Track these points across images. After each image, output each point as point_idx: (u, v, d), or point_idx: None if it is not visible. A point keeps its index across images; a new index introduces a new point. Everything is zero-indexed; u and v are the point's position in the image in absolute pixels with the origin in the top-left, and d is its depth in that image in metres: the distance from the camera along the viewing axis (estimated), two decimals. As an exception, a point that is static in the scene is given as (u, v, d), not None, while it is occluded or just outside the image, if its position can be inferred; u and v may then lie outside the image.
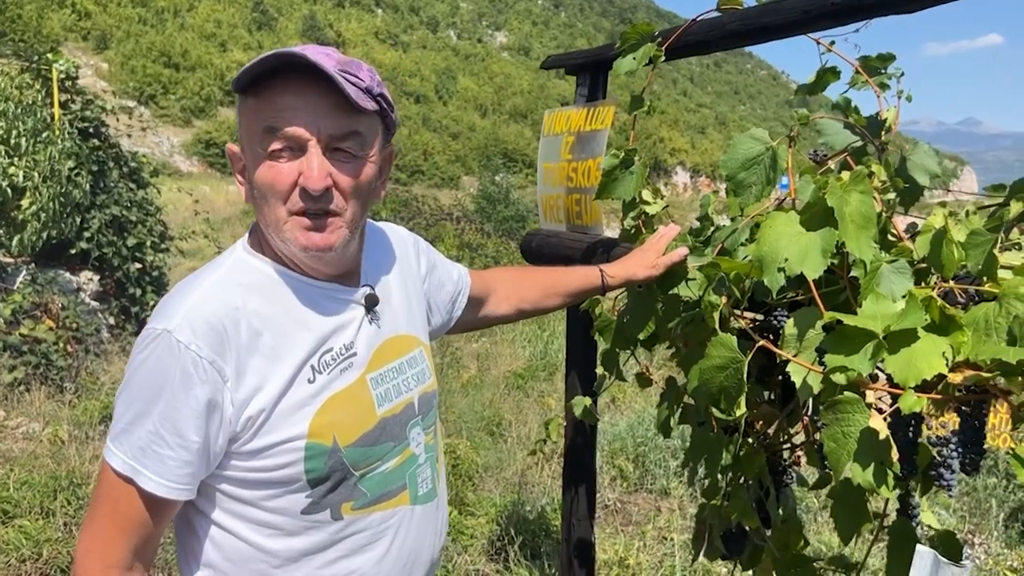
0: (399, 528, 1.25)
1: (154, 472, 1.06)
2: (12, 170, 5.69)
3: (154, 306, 6.39)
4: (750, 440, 1.58)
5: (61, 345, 5.38)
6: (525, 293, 1.69)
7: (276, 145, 1.08)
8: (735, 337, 1.21)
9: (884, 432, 1.01)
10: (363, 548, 1.21)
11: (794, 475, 1.65)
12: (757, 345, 1.20)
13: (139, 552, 1.10)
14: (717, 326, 1.28)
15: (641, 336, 1.63)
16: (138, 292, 6.84)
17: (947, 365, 1.04)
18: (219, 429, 1.08)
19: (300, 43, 1.17)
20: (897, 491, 1.28)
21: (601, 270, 1.68)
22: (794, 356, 1.21)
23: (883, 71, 1.62)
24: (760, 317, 1.48)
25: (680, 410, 1.74)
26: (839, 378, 1.08)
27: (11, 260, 5.96)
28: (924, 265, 1.22)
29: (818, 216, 1.23)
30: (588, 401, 2.13)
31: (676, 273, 1.57)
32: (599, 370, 2.11)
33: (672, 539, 3.53)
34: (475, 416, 5.38)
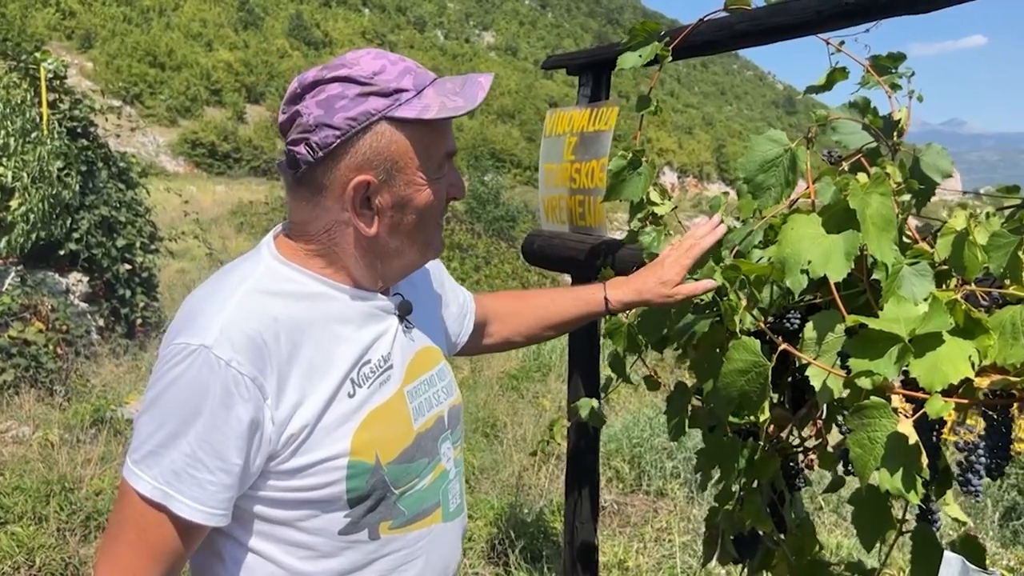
0: (433, 546, 1.22)
1: (191, 498, 0.99)
2: (1, 171, 5.62)
3: (144, 308, 6.33)
4: (761, 443, 1.57)
5: (51, 347, 5.32)
6: (518, 327, 1.63)
7: (449, 166, 1.14)
8: (758, 341, 1.20)
9: (913, 437, 1.00)
10: (399, 568, 1.17)
11: (804, 479, 1.64)
12: (780, 349, 1.18)
13: (173, 572, 1.04)
14: (739, 330, 1.27)
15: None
16: (128, 293, 6.78)
17: (973, 369, 1.03)
18: (258, 449, 1.02)
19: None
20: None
21: (606, 297, 1.55)
22: (814, 360, 1.19)
23: (893, 71, 1.61)
24: (770, 319, 1.47)
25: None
26: (865, 383, 1.06)
27: (-1, 261, 5.90)
28: (945, 267, 1.21)
29: (838, 218, 1.22)
30: (595, 403, 2.11)
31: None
32: (604, 371, 2.09)
33: (671, 540, 3.52)
34: (470, 417, 5.36)
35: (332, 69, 1.06)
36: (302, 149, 1.05)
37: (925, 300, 1.13)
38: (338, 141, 1.03)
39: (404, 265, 1.18)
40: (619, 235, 2.16)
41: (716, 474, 1.55)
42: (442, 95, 1.09)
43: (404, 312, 1.22)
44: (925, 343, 1.05)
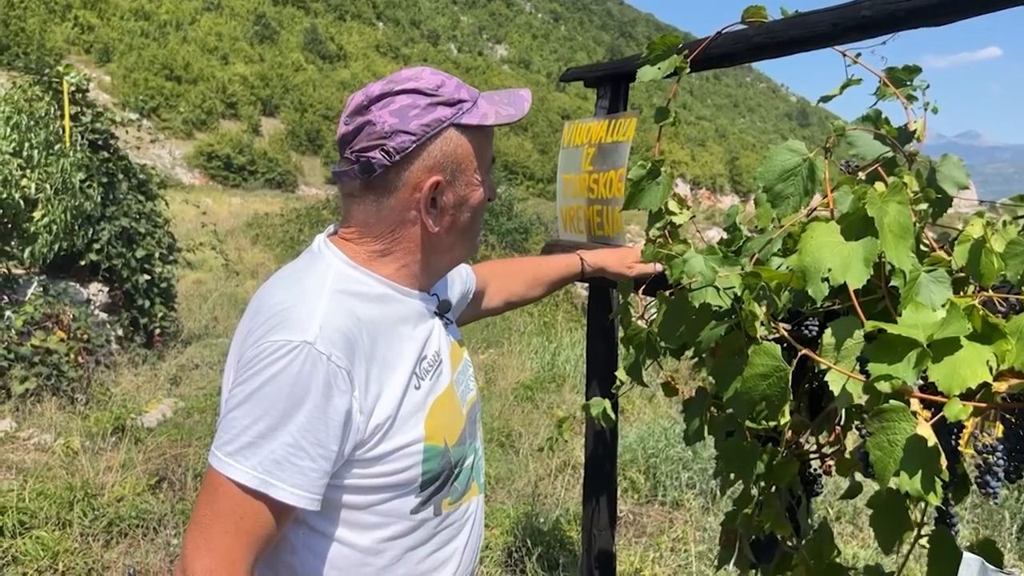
0: (474, 517, 1.36)
1: (292, 484, 1.05)
2: (25, 182, 5.71)
3: (163, 318, 6.40)
4: (779, 449, 1.59)
5: (72, 356, 5.38)
6: (513, 287, 1.83)
7: (490, 169, 1.27)
8: (779, 346, 1.22)
9: (932, 440, 1.02)
10: (452, 539, 1.29)
11: (821, 484, 1.66)
12: (800, 354, 1.20)
13: (257, 563, 1.10)
14: (759, 336, 1.29)
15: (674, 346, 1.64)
16: (146, 304, 6.85)
17: (991, 373, 1.05)
18: (349, 437, 1.10)
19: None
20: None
21: (581, 258, 1.90)
22: (834, 364, 1.22)
23: (909, 83, 1.63)
24: (787, 327, 1.49)
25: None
26: (884, 387, 1.09)
27: (22, 271, 5.97)
28: (962, 274, 1.23)
29: (856, 226, 1.24)
30: (607, 403, 2.12)
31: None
32: (620, 375, 2.11)
33: (687, 550, 3.53)
34: (485, 427, 5.38)
35: (398, 83, 1.17)
36: (377, 154, 1.14)
37: (943, 306, 1.15)
38: (414, 145, 1.15)
39: (452, 261, 1.30)
40: (633, 245, 2.19)
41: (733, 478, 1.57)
42: (493, 104, 1.22)
43: (444, 310, 1.34)
44: (943, 348, 1.08)
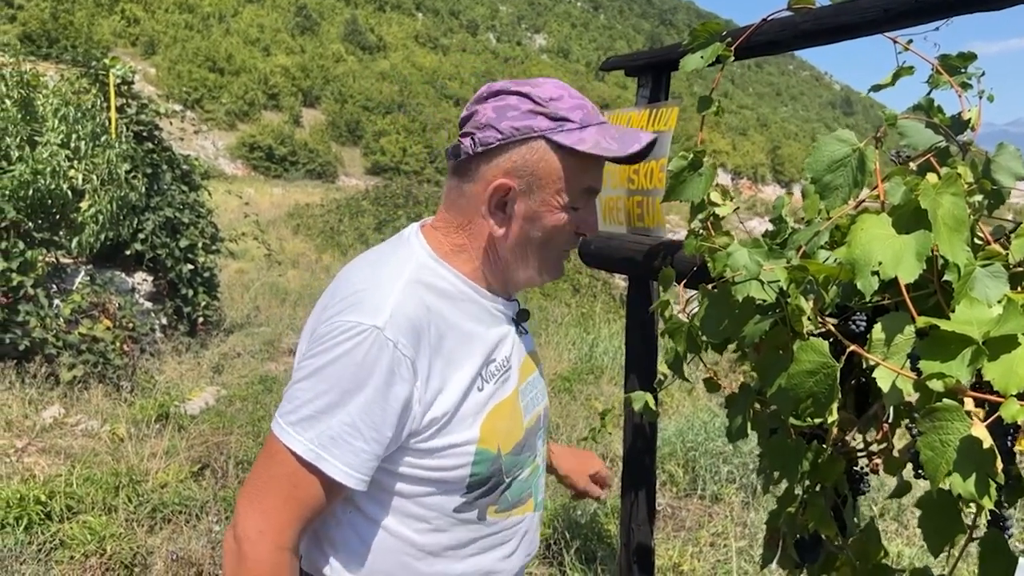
0: (525, 531, 1.35)
1: (344, 462, 1.09)
2: (72, 173, 5.83)
3: (206, 307, 6.48)
4: (825, 447, 1.56)
5: (118, 344, 5.49)
6: None
7: (586, 202, 1.24)
8: (826, 342, 1.19)
9: (988, 441, 0.98)
10: (495, 547, 1.29)
11: (867, 483, 1.62)
12: (848, 351, 1.17)
13: (304, 532, 1.14)
14: (805, 331, 1.26)
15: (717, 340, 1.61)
16: (190, 293, 6.96)
17: (1052, 373, 1.01)
18: (405, 425, 1.13)
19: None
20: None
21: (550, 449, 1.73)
22: (883, 361, 1.18)
23: (963, 70, 1.58)
24: (833, 322, 1.45)
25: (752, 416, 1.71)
26: (936, 385, 1.05)
27: (70, 261, 6.10)
28: (1020, 269, 1.19)
29: (908, 218, 1.20)
30: (649, 397, 2.10)
31: None
32: (661, 368, 2.08)
33: (727, 545, 3.49)
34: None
35: (519, 84, 1.20)
36: (467, 141, 1.19)
37: (999, 302, 1.11)
38: (496, 143, 1.17)
39: (525, 279, 1.29)
40: (676, 236, 2.15)
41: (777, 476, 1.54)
42: (601, 136, 1.20)
43: (522, 319, 1.35)
44: (1000, 345, 1.04)
